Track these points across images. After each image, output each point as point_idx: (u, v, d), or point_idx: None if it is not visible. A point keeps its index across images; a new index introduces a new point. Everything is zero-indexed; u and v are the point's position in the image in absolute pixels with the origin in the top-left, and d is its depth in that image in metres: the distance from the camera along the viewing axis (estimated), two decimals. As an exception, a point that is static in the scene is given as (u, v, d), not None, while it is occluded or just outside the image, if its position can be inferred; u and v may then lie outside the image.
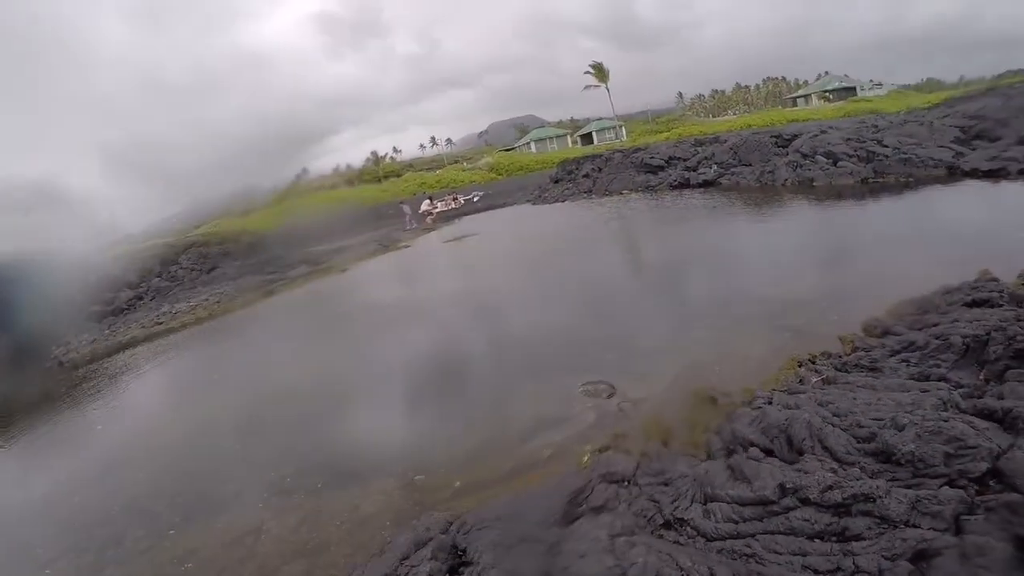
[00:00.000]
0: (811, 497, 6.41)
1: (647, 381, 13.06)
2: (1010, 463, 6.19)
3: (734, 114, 77.39)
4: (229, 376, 19.39)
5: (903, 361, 10.59)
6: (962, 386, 9.19)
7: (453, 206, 45.03)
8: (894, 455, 6.99)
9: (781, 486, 6.75)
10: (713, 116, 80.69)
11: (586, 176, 47.40)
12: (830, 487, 6.40)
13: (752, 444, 8.49)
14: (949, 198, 25.90)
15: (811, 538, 6.12)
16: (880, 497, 6.14)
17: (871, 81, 66.11)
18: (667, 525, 7.30)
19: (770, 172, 37.64)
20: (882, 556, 5.64)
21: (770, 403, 9.81)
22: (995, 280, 12.67)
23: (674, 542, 6.86)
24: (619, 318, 17.26)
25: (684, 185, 40.89)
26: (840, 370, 11.23)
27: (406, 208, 44.04)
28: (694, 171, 41.68)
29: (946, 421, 7.25)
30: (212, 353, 21.01)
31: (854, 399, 9.18)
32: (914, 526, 5.94)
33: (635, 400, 12.16)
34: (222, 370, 18.90)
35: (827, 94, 66.85)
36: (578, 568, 6.43)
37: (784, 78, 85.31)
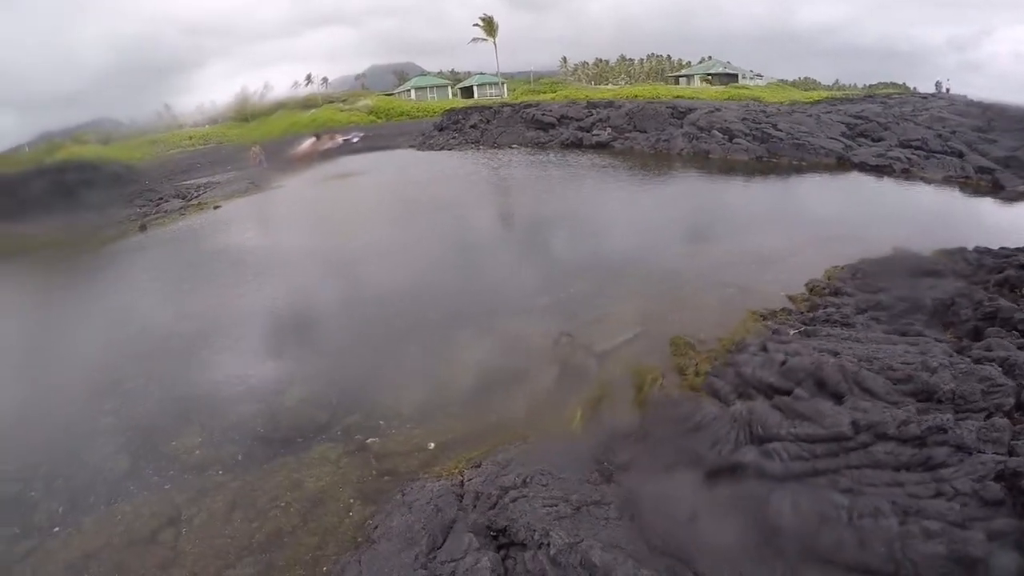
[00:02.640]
0: (888, 432, 6.46)
1: (602, 329, 12.85)
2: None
3: (615, 85, 79.89)
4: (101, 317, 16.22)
5: (872, 319, 11.36)
6: (941, 341, 9.91)
7: (330, 145, 43.19)
8: (935, 394, 7.33)
9: (855, 423, 6.74)
10: (595, 84, 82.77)
11: (474, 127, 46.03)
12: (905, 422, 6.46)
13: (773, 387, 8.53)
14: (844, 185, 29.08)
15: (897, 469, 6.12)
16: (951, 429, 6.31)
17: (751, 71, 71.84)
18: (715, 473, 7.02)
19: (666, 141, 39.38)
20: (970, 479, 5.77)
21: (764, 350, 9.95)
22: (947, 254, 14.12)
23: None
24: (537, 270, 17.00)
25: (577, 145, 41.58)
26: (808, 324, 11.71)
27: (256, 149, 40.85)
28: (588, 132, 42.52)
29: (977, 363, 7.69)
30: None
31: (850, 349, 9.56)
32: (981, 452, 6.36)
33: (602, 351, 11.73)
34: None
35: (710, 77, 71.47)
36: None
37: (669, 56, 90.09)
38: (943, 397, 7.36)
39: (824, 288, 14.17)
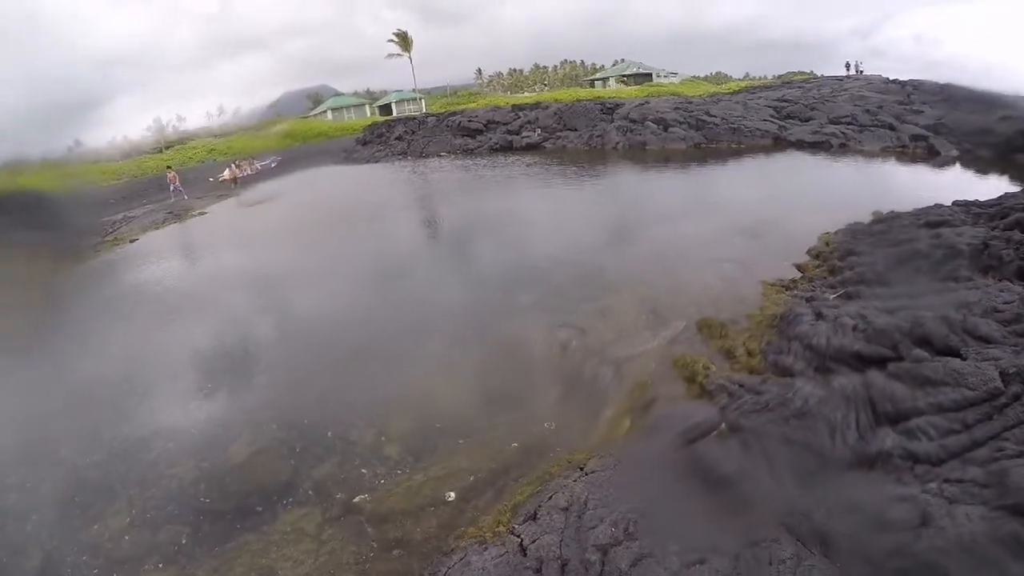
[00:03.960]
0: None
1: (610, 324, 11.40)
2: None
3: (531, 92, 79.92)
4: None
5: (913, 271, 10.39)
6: (1008, 281, 9.12)
7: (249, 172, 40.45)
8: None
9: (1003, 373, 5.48)
10: (511, 93, 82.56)
11: (399, 139, 45.12)
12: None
13: (860, 355, 7.38)
14: (792, 162, 29.29)
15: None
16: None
17: (665, 70, 73.28)
18: (859, 463, 5.57)
19: (599, 136, 39.11)
20: None
21: (821, 316, 8.83)
22: (946, 206, 13.59)
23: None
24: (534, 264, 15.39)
25: (507, 148, 40.88)
26: (843, 286, 10.77)
27: (172, 174, 37.68)
28: (517, 135, 41.94)
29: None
30: None
31: (914, 303, 8.59)
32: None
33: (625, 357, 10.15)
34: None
35: (624, 78, 72.35)
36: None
37: (582, 62, 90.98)
38: None
39: (831, 252, 13.33)
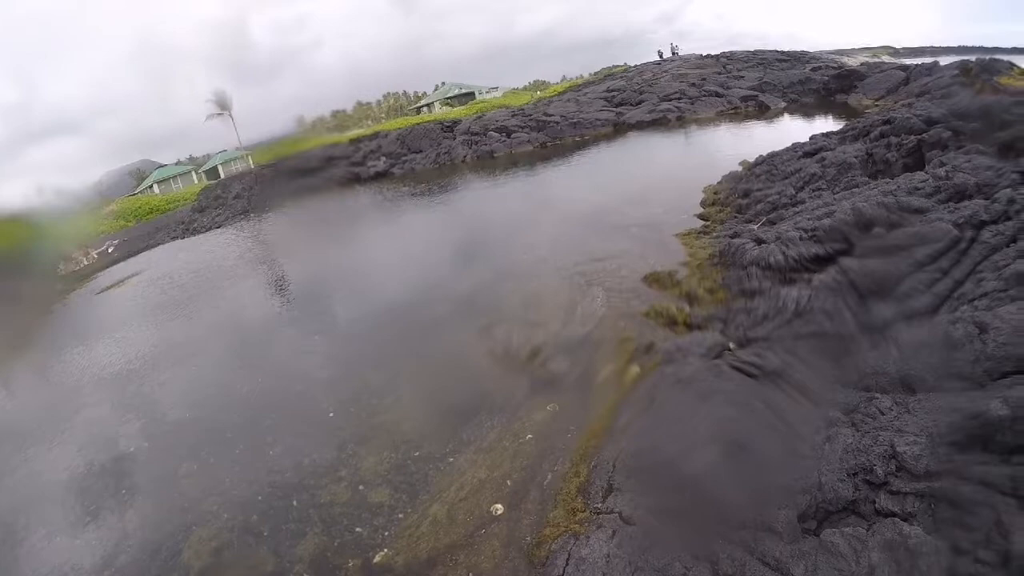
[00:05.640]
0: (984, 217, 6.60)
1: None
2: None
3: (359, 129, 79.31)
4: None
5: (815, 191, 11.48)
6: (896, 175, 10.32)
7: (86, 262, 36.25)
8: (966, 190, 7.82)
9: (954, 223, 6.53)
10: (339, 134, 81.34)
11: (237, 197, 42.66)
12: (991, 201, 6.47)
13: (819, 257, 7.98)
14: (639, 141, 31.26)
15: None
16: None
17: (486, 87, 75.55)
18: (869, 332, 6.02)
19: (446, 153, 39.64)
20: None
21: (761, 241, 9.49)
22: (816, 135, 15.24)
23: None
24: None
25: (354, 180, 40.05)
26: (759, 216, 11.63)
27: None
28: (361, 165, 41.35)
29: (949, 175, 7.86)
30: None
31: (838, 205, 9.39)
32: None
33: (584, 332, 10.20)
34: None
35: (449, 100, 73.79)
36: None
37: (405, 92, 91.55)
38: (972, 191, 7.89)
39: (726, 198, 14.33)
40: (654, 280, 10.78)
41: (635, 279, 11.23)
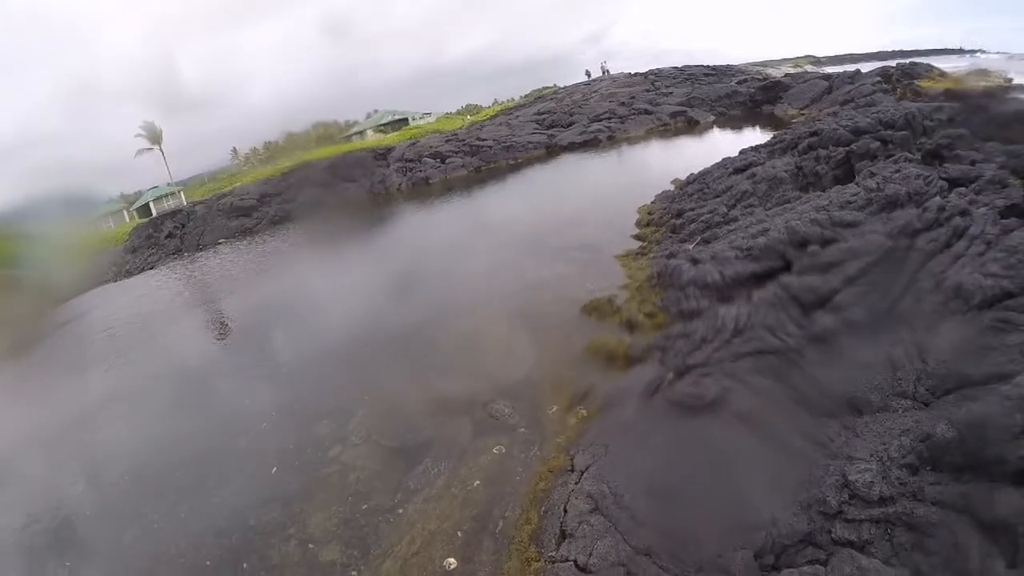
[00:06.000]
0: (916, 225, 7.14)
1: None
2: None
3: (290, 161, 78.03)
4: None
5: (746, 208, 11.68)
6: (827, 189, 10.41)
7: None
8: (897, 200, 8.22)
9: (888, 234, 6.54)
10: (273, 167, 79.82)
11: (170, 236, 40.51)
12: (923, 210, 6.70)
13: (755, 275, 8.17)
14: (572, 163, 31.37)
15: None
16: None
17: (419, 112, 75.31)
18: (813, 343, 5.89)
19: (380, 182, 39.19)
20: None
21: (696, 261, 9.46)
22: (745, 150, 15.37)
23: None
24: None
25: (288, 218, 38.87)
26: (695, 236, 11.62)
27: None
28: (294, 201, 40.10)
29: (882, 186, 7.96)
30: None
31: (773, 222, 9.40)
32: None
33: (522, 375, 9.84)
34: None
35: (383, 128, 73.23)
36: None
37: (336, 120, 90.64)
38: (904, 200, 8.01)
39: (660, 218, 14.35)
40: (593, 309, 10.59)
41: (574, 311, 10.98)
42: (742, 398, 6.24)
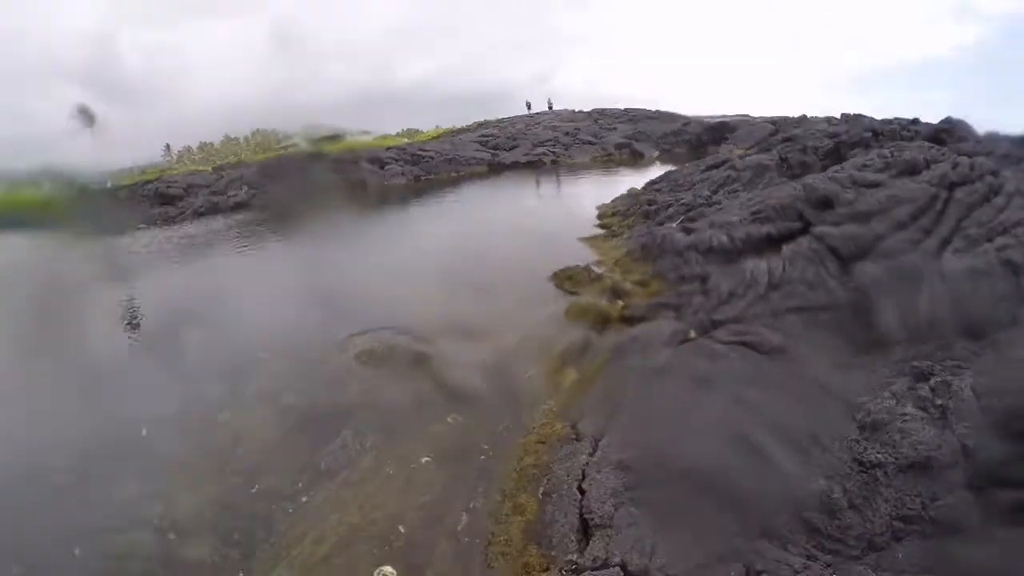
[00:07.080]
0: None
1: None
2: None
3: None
4: None
5: (731, 193, 10.94)
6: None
7: None
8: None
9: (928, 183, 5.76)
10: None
11: (77, 220, 37.51)
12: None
13: (770, 237, 7.16)
14: (518, 178, 30.93)
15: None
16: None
17: (358, 130, 73.73)
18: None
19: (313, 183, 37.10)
20: None
21: (687, 232, 8.54)
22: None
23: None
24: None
25: (214, 211, 36.34)
26: (663, 223, 10.86)
27: None
28: (223, 195, 37.76)
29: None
30: None
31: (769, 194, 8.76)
32: None
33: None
34: None
35: (317, 142, 71.14)
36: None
37: (274, 130, 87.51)
38: (922, 166, 7.44)
39: (627, 209, 13.60)
40: (567, 278, 9.33)
41: (541, 281, 9.65)
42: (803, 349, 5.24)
